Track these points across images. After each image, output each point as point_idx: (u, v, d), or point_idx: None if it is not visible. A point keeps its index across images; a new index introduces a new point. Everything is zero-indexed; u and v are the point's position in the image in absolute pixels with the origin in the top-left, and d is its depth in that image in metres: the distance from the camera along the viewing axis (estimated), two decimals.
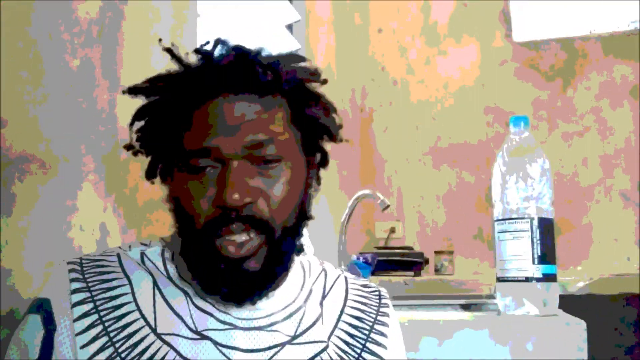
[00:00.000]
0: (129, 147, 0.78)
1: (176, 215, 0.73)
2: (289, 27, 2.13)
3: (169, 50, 0.74)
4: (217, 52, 0.73)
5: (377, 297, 0.84)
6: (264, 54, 0.73)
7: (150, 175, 0.78)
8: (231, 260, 0.68)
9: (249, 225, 0.68)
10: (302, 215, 0.74)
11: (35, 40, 0.96)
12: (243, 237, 0.68)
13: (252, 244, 0.68)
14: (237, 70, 0.70)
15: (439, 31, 2.83)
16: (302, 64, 0.76)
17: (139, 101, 0.77)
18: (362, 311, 0.81)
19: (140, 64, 1.19)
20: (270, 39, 1.92)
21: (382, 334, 0.80)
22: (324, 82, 0.77)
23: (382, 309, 0.83)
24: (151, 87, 0.75)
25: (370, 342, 0.79)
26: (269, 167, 0.69)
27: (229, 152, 0.68)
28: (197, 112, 0.70)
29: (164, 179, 0.77)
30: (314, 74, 0.76)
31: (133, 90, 0.76)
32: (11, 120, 0.91)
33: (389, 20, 2.90)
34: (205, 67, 0.72)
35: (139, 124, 0.77)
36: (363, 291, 0.84)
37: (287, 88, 0.73)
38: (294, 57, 0.78)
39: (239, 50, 0.72)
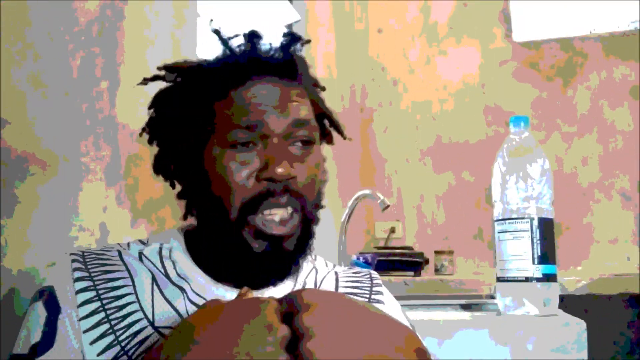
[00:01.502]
0: (145, 130, 0.80)
1: (202, 197, 0.73)
2: (289, 27, 2.13)
3: (216, 32, 0.77)
4: (256, 39, 0.76)
5: (369, 279, 0.86)
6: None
7: (158, 168, 0.79)
8: (273, 239, 0.69)
9: (293, 198, 0.70)
10: (320, 202, 0.77)
11: (35, 40, 0.96)
12: (284, 214, 0.70)
13: (293, 222, 0.70)
14: (282, 55, 0.74)
15: (439, 31, 2.83)
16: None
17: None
18: (355, 294, 0.82)
19: (140, 64, 1.19)
20: (270, 39, 1.92)
21: (378, 302, 0.81)
22: (323, 88, 0.83)
23: (375, 288, 0.84)
24: (188, 68, 0.77)
25: None
26: (304, 149, 0.73)
27: (274, 128, 0.70)
28: (237, 91, 0.72)
29: (171, 174, 0.78)
30: (316, 80, 0.83)
31: (170, 69, 0.78)
32: (11, 120, 0.91)
33: (389, 20, 2.90)
34: (249, 48, 0.75)
35: (153, 111, 0.79)
36: (354, 276, 0.85)
37: (309, 83, 0.78)
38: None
39: (291, 36, 0.77)
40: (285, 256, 0.71)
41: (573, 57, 2.67)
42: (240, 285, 0.71)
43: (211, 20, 0.81)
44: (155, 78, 0.79)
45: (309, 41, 0.80)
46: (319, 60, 2.43)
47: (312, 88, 0.79)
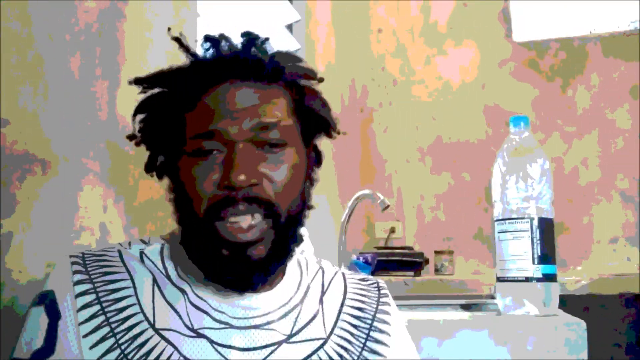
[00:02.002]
0: (131, 137, 0.79)
1: (178, 202, 0.73)
2: (289, 27, 2.13)
3: (177, 39, 0.77)
4: (223, 42, 0.76)
5: (377, 289, 0.85)
6: (267, 46, 0.76)
7: (149, 168, 0.79)
8: (236, 246, 0.68)
9: (255, 205, 0.68)
10: (304, 203, 0.75)
11: (35, 40, 0.96)
12: (248, 221, 0.68)
13: (258, 228, 0.69)
14: (244, 57, 0.73)
15: (439, 31, 2.83)
16: (301, 63, 0.79)
17: (139, 100, 0.77)
18: (363, 302, 0.82)
19: (140, 64, 1.19)
20: (270, 39, 1.92)
21: (384, 322, 0.81)
22: (321, 80, 0.79)
23: (382, 299, 0.84)
24: (157, 78, 0.77)
25: (374, 330, 0.79)
26: (273, 152, 0.71)
27: (235, 134, 0.69)
28: (203, 98, 0.72)
29: (161, 174, 0.78)
30: (312, 71, 0.79)
31: (139, 81, 0.77)
32: (11, 120, 0.91)
33: (389, 20, 2.90)
34: (213, 54, 0.74)
35: (140, 117, 0.78)
36: (362, 284, 0.85)
37: (289, 79, 0.75)
38: (294, 55, 0.80)
39: (249, 36, 0.75)
40: (252, 263, 0.69)
41: (573, 57, 2.67)
42: (226, 287, 0.71)
43: (169, 29, 0.80)
44: (136, 82, 0.78)
45: (267, 39, 0.77)
46: (319, 59, 2.43)
47: (295, 84, 0.76)
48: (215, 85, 0.72)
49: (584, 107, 2.63)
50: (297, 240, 0.75)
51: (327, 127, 0.79)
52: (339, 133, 0.81)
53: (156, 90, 0.77)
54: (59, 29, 1.02)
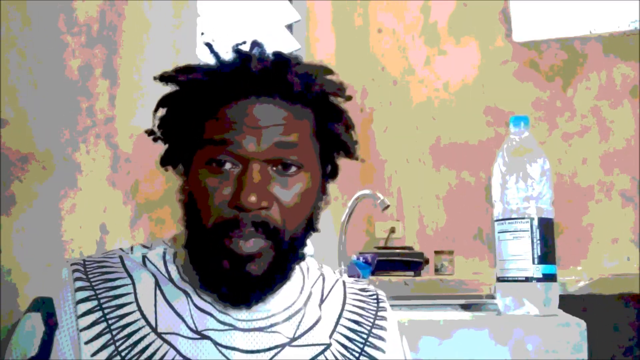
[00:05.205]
0: (150, 132, 0.77)
1: (187, 208, 0.72)
2: (289, 27, 2.13)
3: (208, 45, 0.74)
4: (255, 49, 0.73)
5: (375, 301, 0.84)
6: (298, 67, 0.73)
7: (165, 162, 0.78)
8: (236, 258, 0.67)
9: (260, 230, 0.67)
10: (310, 227, 0.74)
11: (35, 41, 0.96)
12: (252, 241, 0.67)
13: (259, 244, 0.68)
14: (273, 75, 0.70)
15: (439, 31, 2.83)
16: (330, 77, 0.76)
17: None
18: (360, 315, 0.81)
19: (140, 64, 1.19)
20: (270, 39, 1.92)
21: (380, 337, 0.80)
22: (349, 98, 0.77)
23: (380, 313, 0.83)
24: (185, 77, 0.74)
25: (368, 346, 0.78)
26: (288, 174, 0.70)
27: (252, 151, 0.68)
28: (226, 107, 0.70)
29: (176, 166, 0.77)
30: (340, 89, 0.76)
31: (165, 78, 0.75)
32: (11, 120, 0.91)
33: (389, 20, 2.90)
34: (242, 67, 0.71)
35: (161, 112, 0.76)
36: (361, 295, 0.84)
37: (314, 100, 0.73)
38: (325, 69, 0.77)
39: (279, 56, 0.72)
40: (250, 279, 0.68)
41: (573, 57, 2.67)
42: (222, 296, 0.70)
43: (202, 33, 0.79)
44: (160, 78, 0.76)
45: (299, 58, 0.74)
46: (319, 60, 2.42)
47: (318, 105, 0.74)
48: (240, 98, 0.70)
49: (584, 107, 2.63)
50: (299, 258, 0.74)
51: (347, 149, 0.78)
52: (357, 159, 0.79)
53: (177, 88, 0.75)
54: (59, 29, 1.02)
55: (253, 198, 0.66)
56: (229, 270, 0.68)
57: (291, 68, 0.71)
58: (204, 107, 0.71)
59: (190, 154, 0.73)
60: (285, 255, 0.70)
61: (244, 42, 0.74)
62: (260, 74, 0.70)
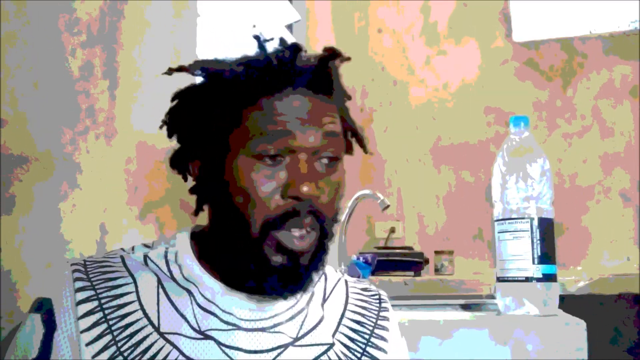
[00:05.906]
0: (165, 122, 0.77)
1: (224, 202, 0.71)
2: (289, 27, 2.13)
3: (257, 38, 0.75)
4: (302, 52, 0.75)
5: (377, 301, 0.84)
6: (333, 68, 0.76)
7: (177, 160, 0.77)
8: (292, 254, 0.68)
9: (315, 219, 0.69)
10: (337, 217, 0.75)
11: (35, 40, 0.96)
12: (304, 231, 0.68)
13: (311, 239, 0.69)
14: (318, 69, 0.72)
15: (439, 31, 2.83)
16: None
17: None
18: (363, 315, 0.81)
19: (140, 64, 1.19)
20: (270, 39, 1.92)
21: (382, 338, 0.80)
22: (349, 98, 0.80)
23: (382, 313, 0.83)
24: (219, 69, 0.73)
25: (370, 346, 0.79)
26: (330, 165, 0.71)
27: (305, 142, 0.68)
28: (269, 100, 0.70)
29: (188, 165, 0.76)
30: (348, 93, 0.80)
31: (201, 67, 0.74)
32: (11, 120, 0.91)
33: (389, 20, 2.90)
34: (290, 60, 0.72)
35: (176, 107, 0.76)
36: (363, 295, 0.84)
37: (339, 94, 0.76)
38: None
39: (331, 50, 0.75)
40: (302, 271, 0.69)
41: (573, 57, 2.67)
42: (251, 294, 0.71)
43: (254, 25, 0.79)
44: (180, 69, 0.76)
45: (349, 58, 0.77)
46: None
47: (343, 103, 0.77)
48: (282, 90, 0.70)
49: (584, 107, 2.63)
50: (328, 251, 0.75)
51: (361, 140, 0.82)
52: (366, 152, 0.83)
53: (201, 80, 0.74)
54: (59, 29, 1.02)
55: (308, 188, 0.67)
56: (284, 265, 0.68)
57: (332, 64, 0.74)
58: (242, 96, 0.70)
59: (224, 148, 0.71)
60: (324, 246, 0.71)
61: (272, 39, 0.75)
62: (306, 68, 0.72)
